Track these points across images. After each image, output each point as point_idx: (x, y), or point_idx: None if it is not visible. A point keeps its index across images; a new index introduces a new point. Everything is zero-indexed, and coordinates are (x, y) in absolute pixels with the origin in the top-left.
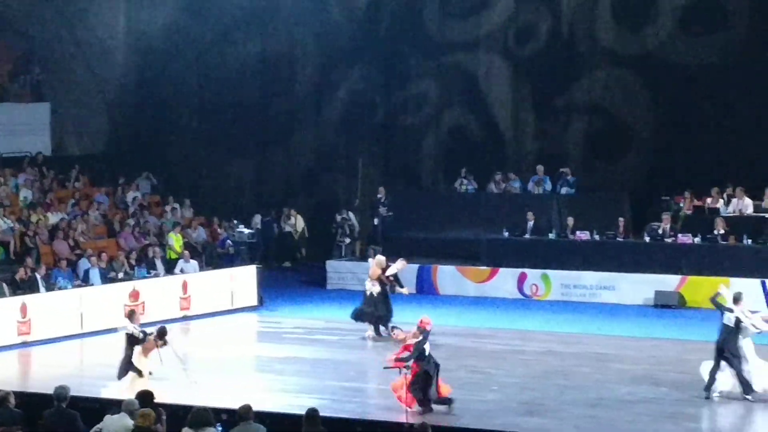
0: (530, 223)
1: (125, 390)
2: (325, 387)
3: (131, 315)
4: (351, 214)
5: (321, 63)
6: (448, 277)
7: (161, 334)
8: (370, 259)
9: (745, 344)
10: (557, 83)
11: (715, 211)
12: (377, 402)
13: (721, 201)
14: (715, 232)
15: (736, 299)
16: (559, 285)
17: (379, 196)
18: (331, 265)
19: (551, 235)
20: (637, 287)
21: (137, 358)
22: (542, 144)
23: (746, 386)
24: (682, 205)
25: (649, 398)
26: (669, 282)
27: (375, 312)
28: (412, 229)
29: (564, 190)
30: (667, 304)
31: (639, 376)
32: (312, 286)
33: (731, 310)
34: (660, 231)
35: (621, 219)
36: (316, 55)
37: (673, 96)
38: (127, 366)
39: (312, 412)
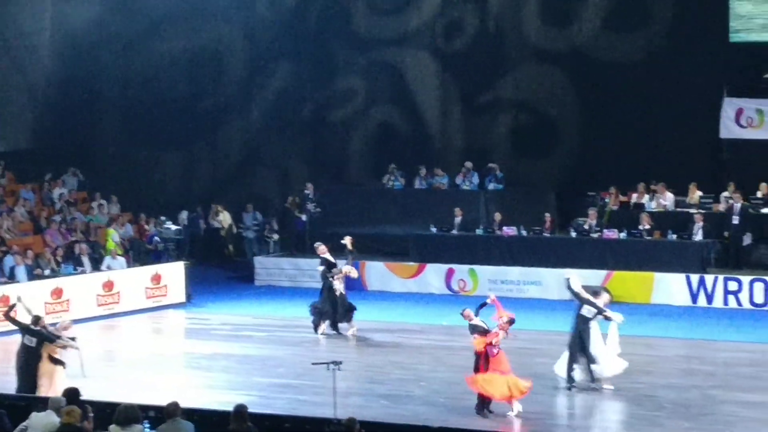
0: (458, 219)
1: (59, 386)
2: (253, 383)
3: (37, 321)
4: (259, 215)
5: (248, 58)
6: (376, 272)
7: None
8: (345, 266)
9: (595, 334)
10: (484, 79)
11: (640, 207)
12: (306, 398)
13: (647, 197)
14: (640, 227)
15: (597, 293)
16: (486, 280)
17: (306, 191)
18: (259, 261)
19: (478, 231)
20: (563, 282)
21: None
22: (469, 140)
23: (593, 375)
24: (607, 200)
25: (574, 392)
26: (595, 277)
27: (333, 310)
28: (339, 224)
29: (491, 186)
30: None
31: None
32: (240, 282)
33: (590, 302)
34: (586, 226)
35: (547, 215)
36: (244, 51)
37: (599, 92)
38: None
39: (240, 409)
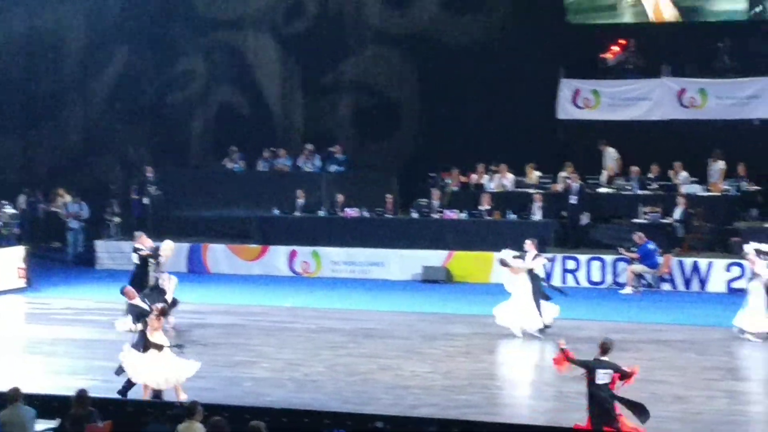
0: (300, 201)
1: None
2: (95, 368)
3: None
4: (85, 205)
5: (89, 40)
6: (218, 255)
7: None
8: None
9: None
10: (325, 61)
11: (481, 187)
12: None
13: (486, 177)
14: (481, 207)
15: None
16: (330, 262)
17: (148, 175)
18: (101, 245)
19: (321, 213)
20: (405, 263)
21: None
22: (311, 122)
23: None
24: (448, 181)
25: (418, 373)
26: (436, 257)
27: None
28: (182, 207)
29: (333, 168)
30: (434, 279)
31: (408, 350)
32: (81, 266)
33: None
34: (427, 207)
35: (389, 196)
36: (84, 32)
37: (439, 74)
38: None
39: (81, 393)
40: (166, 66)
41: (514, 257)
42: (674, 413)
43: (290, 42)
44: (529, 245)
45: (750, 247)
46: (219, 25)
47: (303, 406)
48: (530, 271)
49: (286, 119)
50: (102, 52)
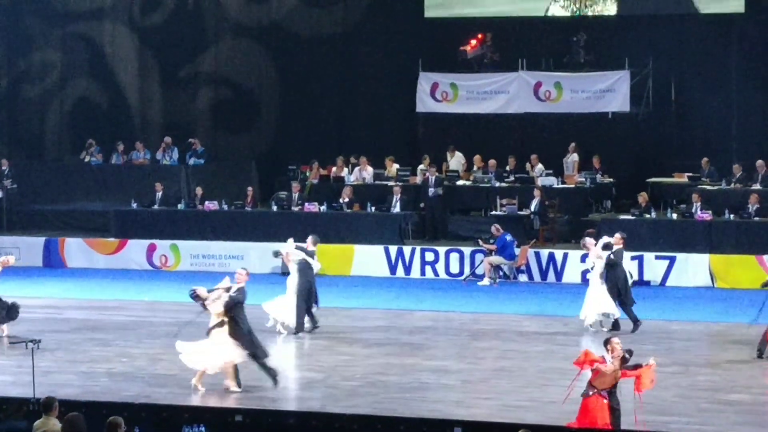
0: (159, 194)
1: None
2: None
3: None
4: None
5: None
6: (75, 249)
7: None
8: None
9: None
10: (184, 54)
11: (340, 180)
12: (3, 378)
13: (346, 170)
14: (341, 200)
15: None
16: (189, 255)
17: (3, 168)
18: None
19: (180, 206)
20: (265, 256)
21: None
22: (169, 114)
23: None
24: (308, 174)
25: (278, 366)
26: None
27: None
28: (38, 201)
29: (192, 161)
30: None
31: (267, 344)
32: None
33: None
34: (287, 200)
35: (249, 189)
36: None
37: (298, 67)
38: None
39: None
40: (21, 58)
41: (297, 247)
42: (528, 402)
43: (148, 34)
44: (309, 242)
45: (589, 241)
46: (75, 16)
47: (162, 401)
48: (302, 268)
49: (144, 112)
50: None
